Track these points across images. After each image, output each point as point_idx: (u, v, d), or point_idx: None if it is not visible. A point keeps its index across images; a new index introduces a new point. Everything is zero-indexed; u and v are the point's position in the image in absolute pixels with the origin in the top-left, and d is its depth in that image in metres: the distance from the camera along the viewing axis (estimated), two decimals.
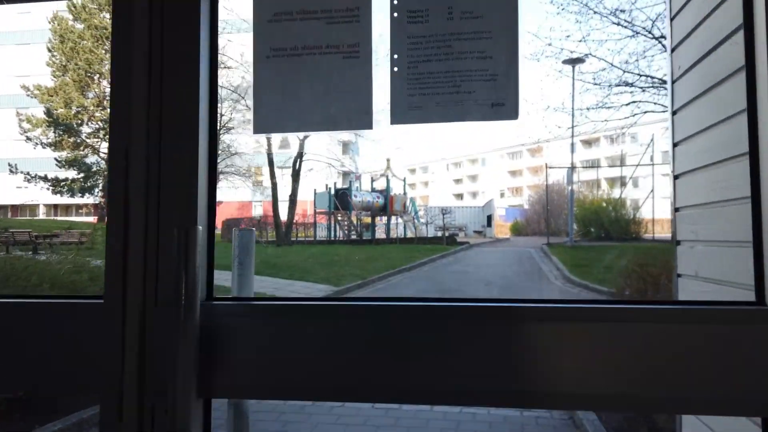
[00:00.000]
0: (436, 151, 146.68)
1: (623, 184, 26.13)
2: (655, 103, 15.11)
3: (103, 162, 44.87)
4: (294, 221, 26.79)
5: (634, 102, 15.13)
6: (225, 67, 25.56)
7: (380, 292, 11.26)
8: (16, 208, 57.84)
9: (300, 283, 11.64)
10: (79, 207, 53.16)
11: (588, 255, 15.08)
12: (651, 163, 20.98)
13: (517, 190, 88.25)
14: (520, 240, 25.66)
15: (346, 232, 25.49)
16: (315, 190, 26.74)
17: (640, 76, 14.61)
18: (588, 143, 77.92)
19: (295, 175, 21.39)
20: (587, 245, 17.63)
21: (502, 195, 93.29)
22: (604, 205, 21.71)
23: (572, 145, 15.93)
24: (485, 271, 13.71)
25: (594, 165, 42.25)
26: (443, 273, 13.65)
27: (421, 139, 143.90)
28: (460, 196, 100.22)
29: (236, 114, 24.76)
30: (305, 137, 21.34)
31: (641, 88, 14.47)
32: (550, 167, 17.68)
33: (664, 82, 14.66)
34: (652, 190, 20.04)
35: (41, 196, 50.12)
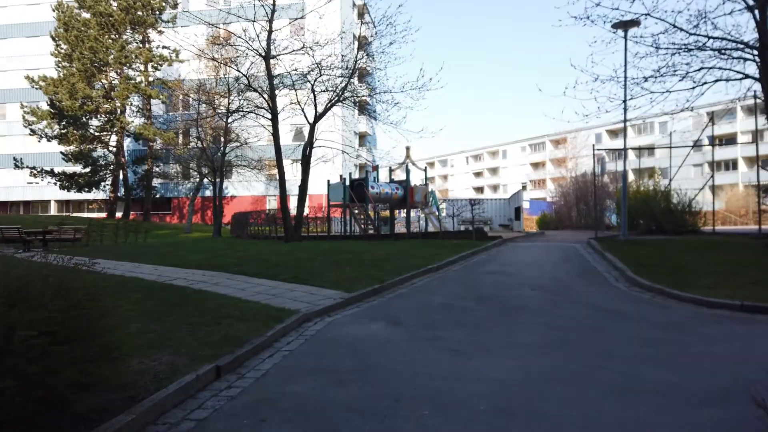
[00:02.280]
0: (456, 143, 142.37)
1: (660, 176, 23.53)
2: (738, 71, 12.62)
3: (111, 155, 43.46)
4: (305, 215, 24.82)
5: (705, 68, 12.71)
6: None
7: (402, 301, 9.12)
8: (28, 204, 56.90)
9: (304, 287, 9.56)
10: (90, 203, 52.04)
11: (648, 251, 12.77)
12: (705, 144, 18.46)
13: (540, 183, 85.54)
14: (554, 234, 23.30)
15: (363, 226, 23.36)
16: (329, 181, 24.67)
17: (709, 38, 12.16)
18: (614, 133, 74.65)
19: (305, 164, 19.32)
20: (642, 239, 15.26)
21: (524, 187, 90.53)
22: (652, 193, 19.27)
23: (624, 123, 13.55)
24: (528, 272, 11.50)
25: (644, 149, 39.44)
26: (477, 274, 11.48)
27: (440, 131, 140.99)
28: (480, 190, 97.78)
29: (245, 103, 22.78)
30: (315, 121, 19.21)
31: (718, 52, 12.02)
32: (599, 149, 15.23)
33: (749, 45, 12.20)
34: (711, 176, 17.53)
35: (53, 191, 49.03)
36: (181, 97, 40.35)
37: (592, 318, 7.63)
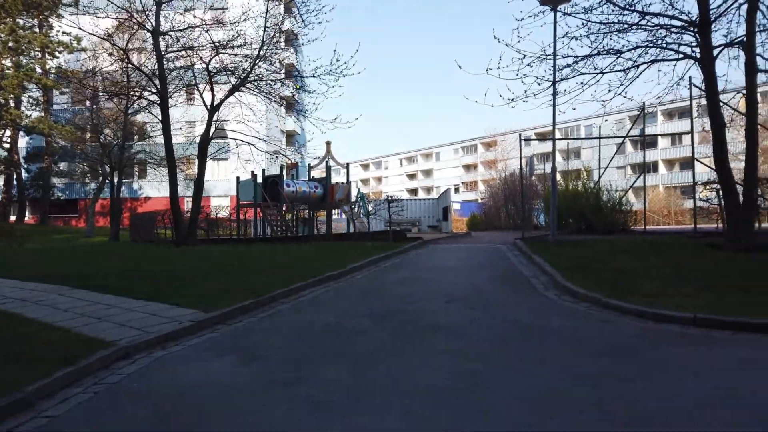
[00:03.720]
0: (390, 146, 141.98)
1: (587, 176, 22.77)
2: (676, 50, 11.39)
3: (4, 152, 38.66)
4: (204, 215, 22.29)
5: (641, 47, 11.44)
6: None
7: (276, 322, 7.06)
8: None
9: (151, 306, 7.33)
10: None
11: (579, 252, 11.33)
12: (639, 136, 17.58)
13: (472, 184, 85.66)
14: (484, 235, 21.92)
15: (276, 228, 21.07)
16: (238, 178, 22.20)
17: (645, 15, 10.90)
18: (544, 136, 76.03)
19: (201, 157, 16.84)
20: (572, 239, 13.94)
21: (457, 190, 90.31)
22: (581, 191, 18.19)
23: (554, 108, 12.16)
24: (445, 279, 9.72)
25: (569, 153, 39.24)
26: (385, 283, 9.58)
27: (373, 132, 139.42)
28: (414, 191, 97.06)
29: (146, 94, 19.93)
30: (213, 108, 16.77)
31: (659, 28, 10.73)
32: (525, 138, 13.82)
33: (689, 21, 10.99)
34: (643, 172, 16.58)
35: None
36: (89, 89, 36.34)
37: (517, 340, 5.87)
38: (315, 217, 24.83)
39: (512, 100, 11.56)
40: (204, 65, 16.46)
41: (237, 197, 21.65)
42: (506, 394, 4.18)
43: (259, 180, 21.27)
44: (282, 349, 5.62)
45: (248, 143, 18.54)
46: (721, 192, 11.54)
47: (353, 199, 29.23)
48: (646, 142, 65.51)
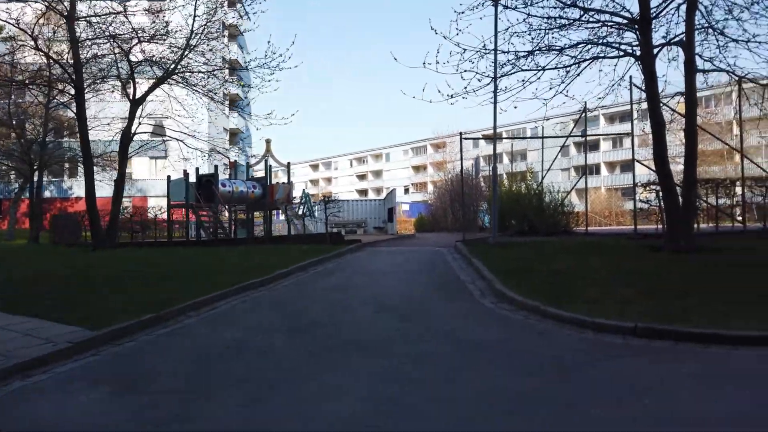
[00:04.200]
0: (340, 146, 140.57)
1: (531, 176, 22.68)
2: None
3: None
4: (129, 216, 20.90)
5: (582, 43, 11.12)
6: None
7: (174, 340, 6.19)
8: None
9: (29, 323, 6.32)
10: None
11: (520, 255, 10.89)
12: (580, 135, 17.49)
13: (421, 185, 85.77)
14: (428, 237, 21.45)
15: (211, 230, 19.88)
16: (169, 177, 20.85)
17: (586, 11, 10.58)
18: (491, 139, 77.14)
19: (123, 154, 15.56)
20: (514, 241, 13.56)
21: (406, 191, 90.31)
22: (524, 192, 17.94)
23: (495, 104, 11.71)
24: (378, 285, 9.02)
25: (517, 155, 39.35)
26: (312, 290, 8.80)
27: (323, 132, 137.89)
28: (364, 192, 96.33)
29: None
30: (136, 102, 15.49)
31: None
32: (466, 137, 13.30)
33: (630, 19, 10.71)
34: (584, 173, 16.45)
35: None
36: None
37: (448, 359, 5.23)
38: (254, 219, 23.74)
39: (451, 96, 11.05)
40: (124, 55, 15.15)
41: (168, 197, 20.31)
42: (426, 427, 3.52)
43: (193, 179, 20.02)
44: (171, 375, 4.77)
45: (177, 140, 17.28)
46: (660, 193, 11.40)
47: (300, 200, 28.30)
48: (589, 144, 67.28)
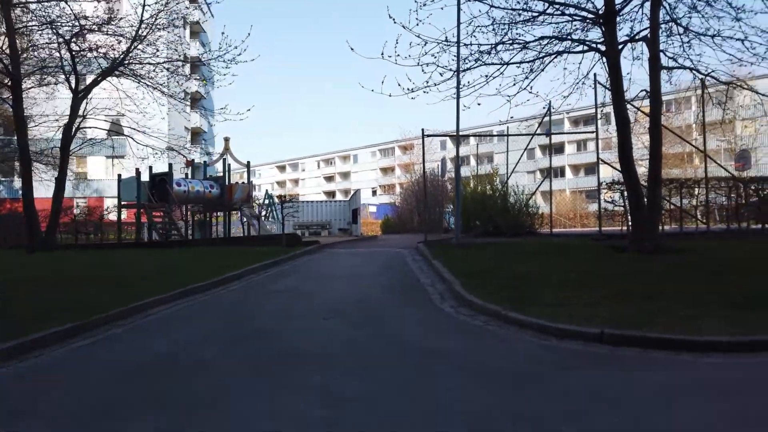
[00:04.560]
0: (307, 147, 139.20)
1: (497, 176, 22.46)
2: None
3: None
4: (84, 216, 19.82)
5: (546, 38, 10.79)
6: None
7: (94, 354, 5.52)
8: None
9: None
10: None
11: (483, 256, 10.47)
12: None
13: (389, 187, 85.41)
14: (392, 238, 20.97)
15: (163, 232, 18.95)
16: (119, 175, 19.84)
17: (551, 4, 10.26)
18: (453, 136, 77.54)
19: (64, 151, 14.57)
20: (478, 242, 13.17)
21: (374, 193, 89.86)
22: (489, 192, 17.63)
23: (458, 100, 11.30)
24: (332, 289, 8.45)
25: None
26: (261, 295, 8.18)
27: (290, 133, 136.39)
28: (332, 194, 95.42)
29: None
30: (78, 95, 14.54)
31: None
32: (428, 134, 12.87)
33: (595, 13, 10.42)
34: (548, 174, 16.23)
35: None
36: None
37: (400, 369, 4.72)
38: (211, 220, 22.86)
39: (412, 90, 10.57)
40: (65, 44, 14.16)
41: (118, 197, 19.30)
42: None
43: (146, 178, 19.07)
44: (82, 397, 4.11)
45: (127, 136, 16.29)
46: (625, 192, 11.17)
47: (263, 200, 27.47)
48: (554, 148, 68.15)
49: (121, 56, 14.83)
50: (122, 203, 19.40)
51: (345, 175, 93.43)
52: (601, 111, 14.98)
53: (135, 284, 8.38)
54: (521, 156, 17.60)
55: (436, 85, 10.63)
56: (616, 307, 6.67)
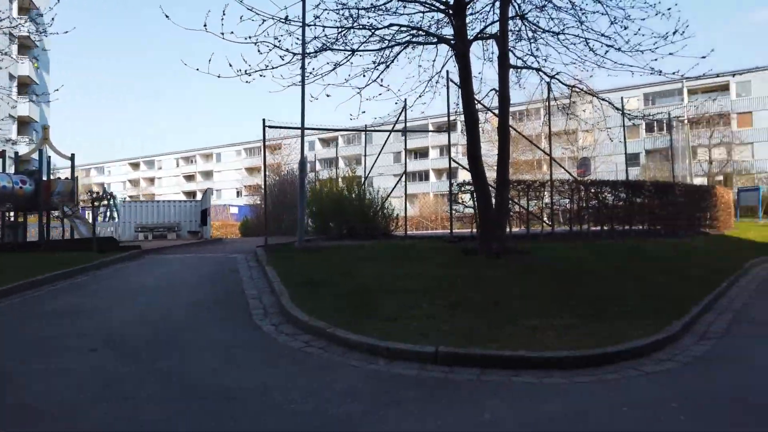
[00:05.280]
0: (164, 143, 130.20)
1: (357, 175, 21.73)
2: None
3: None
4: None
5: (395, 25, 9.99)
6: None
7: None
8: None
9: None
10: None
11: (326, 262, 9.36)
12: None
13: (256, 188, 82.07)
14: (240, 241, 19.24)
15: None
16: None
17: None
18: (327, 142, 76.64)
19: None
20: (327, 245, 12.10)
21: (239, 194, 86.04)
22: (346, 193, 16.72)
23: (303, 87, 10.14)
24: (130, 305, 6.82)
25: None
26: (34, 315, 6.33)
27: (143, 127, 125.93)
28: (192, 194, 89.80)
29: None
30: None
31: None
32: (270, 125, 11.47)
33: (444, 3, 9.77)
34: (404, 172, 15.70)
35: None
36: None
37: (160, 425, 3.38)
38: (26, 221, 19.41)
39: (247, 72, 9.19)
40: None
41: None
42: None
43: None
44: None
45: None
46: (474, 193, 10.79)
47: (109, 203, 24.28)
48: (419, 152, 69.95)
49: None
50: None
51: (207, 175, 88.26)
52: (455, 110, 14.74)
53: None
54: (379, 153, 16.93)
55: (274, 68, 9.34)
56: (459, 319, 5.93)
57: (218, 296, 7.42)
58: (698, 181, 35.26)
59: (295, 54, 9.56)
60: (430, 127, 63.82)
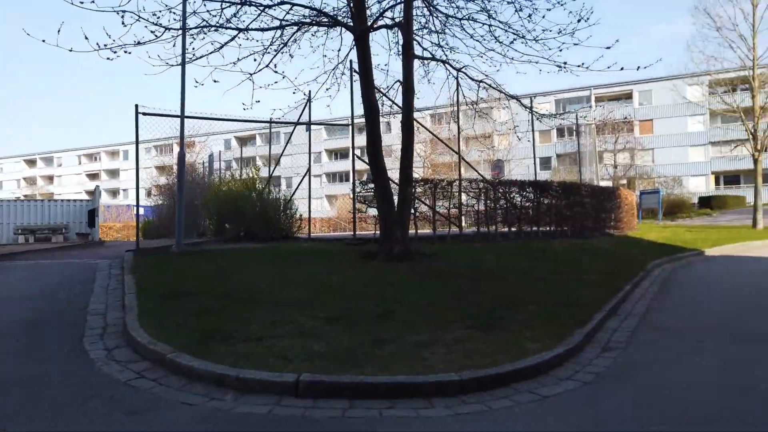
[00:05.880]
0: (66, 139, 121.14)
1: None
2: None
3: None
4: None
5: (288, 3, 8.97)
6: None
7: None
8: None
9: None
10: None
11: (202, 269, 8.16)
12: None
13: (167, 188, 77.59)
14: (119, 245, 17.41)
15: None
16: None
17: None
18: (244, 141, 74.07)
19: None
20: (215, 249, 10.85)
21: (149, 193, 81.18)
22: (246, 192, 15.43)
23: (183, 71, 8.90)
24: None
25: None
26: None
27: (41, 120, 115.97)
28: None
29: None
30: None
31: None
32: (144, 112, 9.94)
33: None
34: (308, 171, 14.72)
35: None
36: None
37: None
38: None
39: (108, 47, 7.85)
40: None
41: None
42: None
43: None
44: None
45: None
46: (375, 192, 10.00)
47: None
48: (341, 153, 68.96)
49: None
50: None
51: (113, 173, 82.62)
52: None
53: None
54: (282, 151, 15.82)
55: (142, 43, 8.04)
56: (337, 335, 5.04)
57: (52, 313, 6.07)
58: (604, 184, 36.84)
59: (167, 28, 8.30)
60: (353, 129, 63.13)
